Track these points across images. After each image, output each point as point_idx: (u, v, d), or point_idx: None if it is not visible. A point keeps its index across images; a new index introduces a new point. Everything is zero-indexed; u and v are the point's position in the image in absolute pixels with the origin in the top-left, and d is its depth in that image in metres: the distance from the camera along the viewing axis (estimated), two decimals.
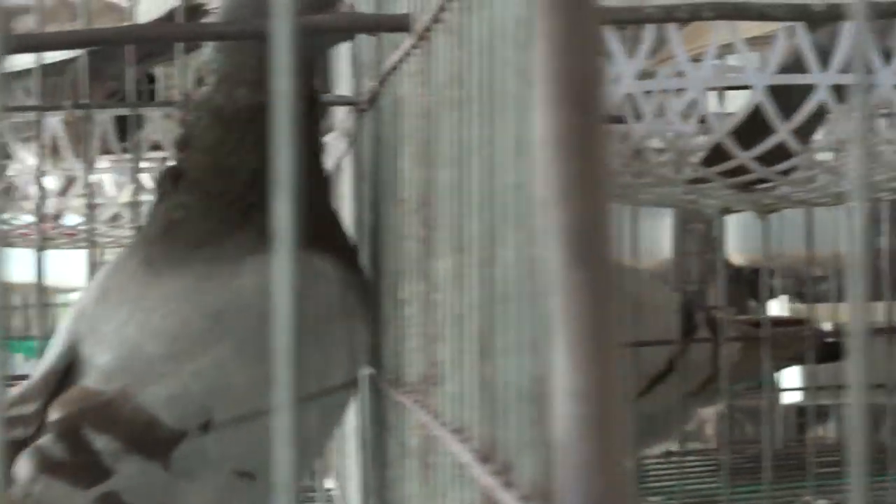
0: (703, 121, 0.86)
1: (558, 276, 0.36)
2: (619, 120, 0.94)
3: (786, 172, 0.90)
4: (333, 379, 0.91)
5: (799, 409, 2.67)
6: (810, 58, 0.84)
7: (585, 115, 0.36)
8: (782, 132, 0.86)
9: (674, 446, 2.21)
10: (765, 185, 0.91)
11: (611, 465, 0.36)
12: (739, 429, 2.49)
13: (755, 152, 0.87)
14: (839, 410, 2.56)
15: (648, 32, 0.84)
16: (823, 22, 0.87)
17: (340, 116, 1.23)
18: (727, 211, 1.01)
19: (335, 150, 1.19)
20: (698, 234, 2.74)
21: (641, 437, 1.43)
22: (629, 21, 0.83)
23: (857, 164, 0.42)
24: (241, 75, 0.89)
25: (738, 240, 2.17)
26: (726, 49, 0.92)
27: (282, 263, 0.38)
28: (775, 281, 2.01)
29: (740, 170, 0.89)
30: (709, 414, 2.64)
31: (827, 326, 1.62)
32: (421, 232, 0.75)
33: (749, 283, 2.26)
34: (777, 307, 1.92)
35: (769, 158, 0.89)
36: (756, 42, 0.97)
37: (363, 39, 1.03)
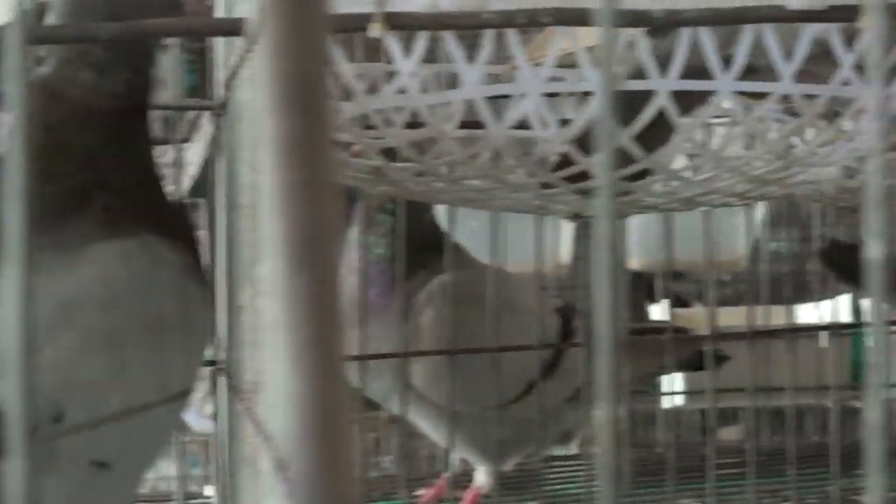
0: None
1: (280, 283, 0.36)
2: (476, 126, 0.94)
3: (634, 178, 0.91)
4: (173, 386, 0.90)
5: (702, 413, 2.69)
6: (650, 64, 0.84)
7: (307, 121, 0.35)
8: (624, 138, 0.86)
9: (573, 449, 2.21)
10: None
11: (336, 472, 0.36)
12: (642, 432, 2.51)
13: (597, 158, 0.87)
14: (740, 413, 2.58)
15: (488, 38, 0.84)
16: (663, 28, 0.87)
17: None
18: (577, 216, 1.01)
19: (196, 154, 1.18)
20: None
21: (519, 442, 1.43)
22: (468, 27, 0.83)
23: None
24: (83, 59, 0.89)
25: (639, 245, 2.18)
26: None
27: (15, 268, 0.37)
28: (658, 285, 2.02)
29: (584, 175, 0.89)
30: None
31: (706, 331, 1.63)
32: (250, 237, 0.75)
33: (648, 288, 2.28)
34: (659, 312, 1.93)
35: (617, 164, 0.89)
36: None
37: (220, 43, 1.02)
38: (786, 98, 0.88)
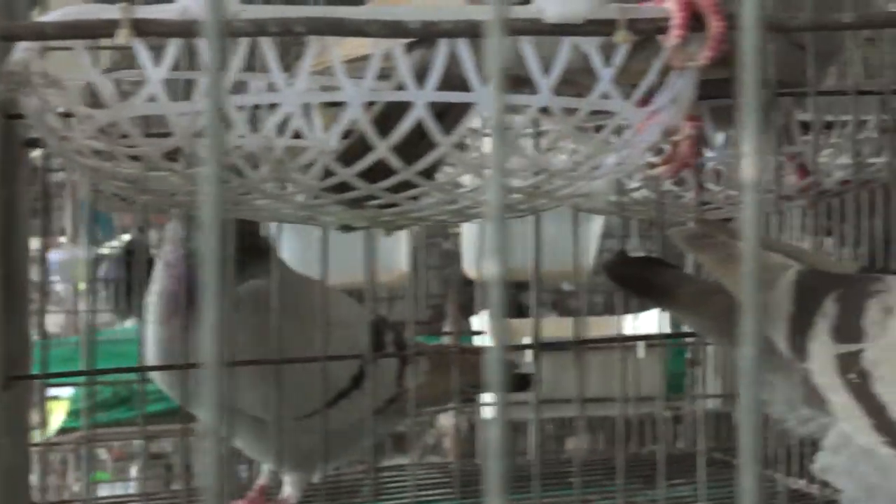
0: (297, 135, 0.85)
1: None
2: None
3: (397, 189, 0.90)
4: None
5: (561, 422, 2.70)
6: (406, 75, 0.84)
7: None
8: (381, 149, 0.85)
9: (413, 458, 2.19)
10: (375, 202, 0.90)
11: None
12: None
13: (356, 169, 0.87)
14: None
15: (242, 46, 0.83)
16: (420, 39, 0.87)
17: None
18: (348, 228, 1.00)
19: None
20: (438, 248, 2.75)
21: (327, 453, 1.41)
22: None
23: (207, 186, 0.41)
24: None
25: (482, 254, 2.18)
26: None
27: None
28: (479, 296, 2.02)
29: (346, 186, 0.88)
30: (447, 428, 2.65)
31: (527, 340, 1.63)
32: None
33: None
34: (480, 323, 1.94)
35: (377, 175, 0.88)
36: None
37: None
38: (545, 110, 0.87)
